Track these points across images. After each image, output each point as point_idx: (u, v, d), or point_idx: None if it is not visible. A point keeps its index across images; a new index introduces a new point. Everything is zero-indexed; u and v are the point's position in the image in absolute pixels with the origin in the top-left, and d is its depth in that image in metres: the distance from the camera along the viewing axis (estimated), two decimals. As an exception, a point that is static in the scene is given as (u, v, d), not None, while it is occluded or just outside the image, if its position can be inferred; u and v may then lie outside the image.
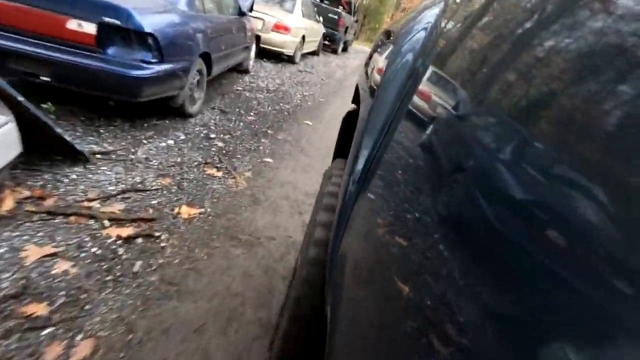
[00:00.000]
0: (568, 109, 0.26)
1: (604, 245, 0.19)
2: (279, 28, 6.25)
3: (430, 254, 0.34)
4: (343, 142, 1.49)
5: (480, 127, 0.37)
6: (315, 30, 8.20)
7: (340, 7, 11.62)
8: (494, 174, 0.30)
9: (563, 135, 0.25)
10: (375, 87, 0.85)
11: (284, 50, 6.49)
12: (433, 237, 0.35)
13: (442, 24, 0.68)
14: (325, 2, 11.57)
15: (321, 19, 8.58)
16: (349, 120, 1.39)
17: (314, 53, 9.13)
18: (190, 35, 2.81)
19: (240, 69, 5.09)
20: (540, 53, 0.33)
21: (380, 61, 0.96)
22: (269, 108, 4.13)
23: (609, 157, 0.21)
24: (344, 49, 13.12)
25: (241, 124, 3.44)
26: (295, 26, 6.54)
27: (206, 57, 3.22)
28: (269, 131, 3.46)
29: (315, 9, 9.77)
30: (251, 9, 5.29)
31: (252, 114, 3.78)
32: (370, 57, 1.32)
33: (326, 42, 10.32)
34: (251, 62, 5.28)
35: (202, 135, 2.92)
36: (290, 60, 7.00)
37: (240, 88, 4.54)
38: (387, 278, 0.41)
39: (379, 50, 1.18)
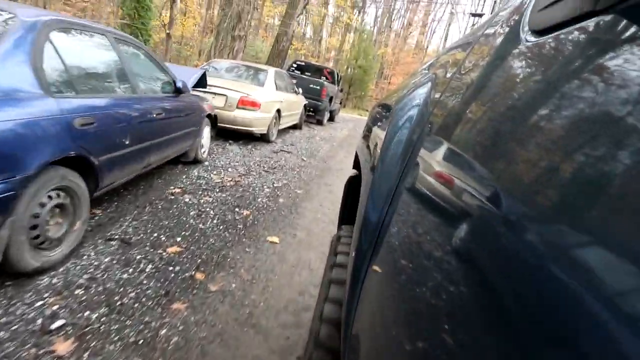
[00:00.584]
0: (573, 170, 0.27)
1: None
2: (245, 104, 5.13)
3: (450, 332, 0.33)
4: (347, 207, 1.51)
5: (479, 190, 0.37)
6: (294, 102, 7.20)
7: (323, 78, 10.96)
8: (501, 239, 0.31)
9: (569, 197, 0.25)
10: (376, 159, 0.87)
11: (254, 129, 5.32)
12: (448, 310, 0.34)
13: (434, 97, 0.72)
14: (306, 74, 10.94)
15: (300, 90, 7.64)
16: (352, 185, 1.43)
17: (295, 127, 8.09)
18: (19, 135, 1.48)
19: (186, 160, 3.79)
20: (527, 116, 0.36)
21: (379, 134, 0.99)
22: (214, 221, 2.73)
23: (616, 225, 0.21)
24: (331, 119, 12.30)
25: (149, 266, 1.99)
26: (266, 101, 5.45)
27: (82, 163, 1.88)
28: (198, 275, 2.00)
29: (295, 80, 8.96)
30: (203, 84, 4.14)
31: (178, 238, 2.36)
32: (369, 129, 1.32)
33: (310, 113, 9.41)
34: (204, 150, 4.01)
35: (36, 323, 1.45)
36: (264, 138, 5.82)
37: (178, 189, 3.18)
38: None
39: (377, 123, 1.18)
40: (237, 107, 5.11)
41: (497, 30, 0.63)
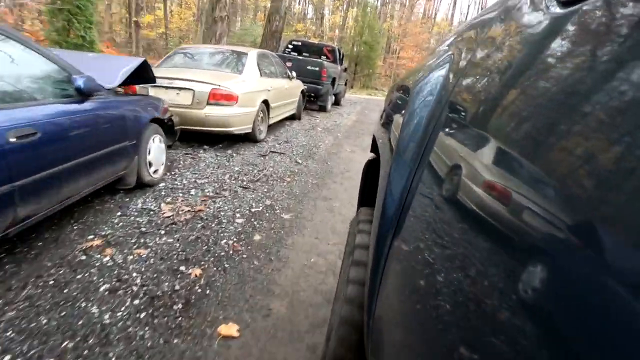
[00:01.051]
0: (598, 153, 0.25)
1: None
2: (218, 98, 4.02)
3: (473, 314, 0.33)
4: (366, 189, 1.51)
5: (501, 176, 0.37)
6: (288, 89, 6.04)
7: (323, 57, 9.69)
8: (520, 222, 0.30)
9: (594, 187, 0.24)
10: (394, 142, 0.85)
11: (233, 129, 4.22)
12: (470, 291, 0.34)
13: (452, 79, 0.70)
14: (304, 54, 9.68)
15: (294, 74, 6.45)
16: (370, 168, 1.44)
17: (293, 118, 6.95)
18: None
19: (125, 187, 2.74)
20: (554, 98, 0.34)
21: (397, 117, 0.98)
22: (135, 303, 1.67)
23: None
24: (336, 103, 11.07)
25: None
26: (246, 91, 4.32)
27: None
28: None
29: (290, 63, 7.76)
30: (149, 78, 3.05)
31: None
32: (386, 112, 1.29)
33: (311, 99, 8.23)
34: (155, 168, 2.95)
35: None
36: (250, 138, 4.72)
37: (99, 240, 2.13)
38: (430, 343, 0.41)
39: (395, 105, 1.16)
40: (208, 103, 4.00)
41: (519, 3, 0.59)
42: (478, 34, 0.74)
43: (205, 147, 4.32)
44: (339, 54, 9.85)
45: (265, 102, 4.91)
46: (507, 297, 0.28)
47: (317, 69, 7.91)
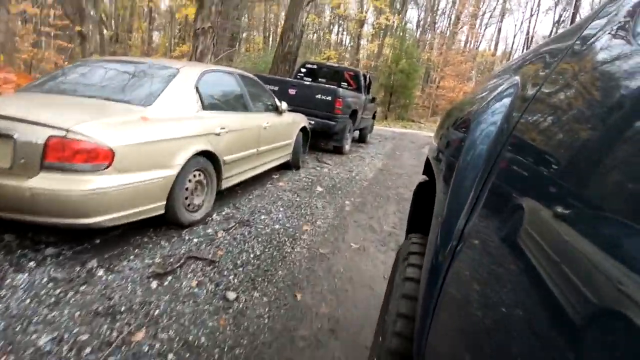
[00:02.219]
0: None
1: None
2: (64, 156, 1.89)
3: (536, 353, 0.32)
4: (416, 214, 1.43)
5: (565, 213, 0.36)
6: (271, 129, 3.86)
7: (345, 84, 7.56)
8: (591, 261, 0.30)
9: None
10: (452, 169, 0.81)
11: (98, 220, 2.00)
12: (533, 329, 0.33)
13: (518, 109, 0.66)
14: (320, 79, 7.59)
15: (284, 105, 4.26)
16: (421, 191, 1.38)
17: (288, 165, 4.76)
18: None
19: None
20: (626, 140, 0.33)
21: (456, 142, 0.95)
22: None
23: None
24: (361, 140, 8.80)
25: None
26: (144, 140, 2.16)
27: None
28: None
29: (293, 90, 5.66)
30: None
31: None
32: (442, 135, 1.24)
33: (327, 135, 6.04)
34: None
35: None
36: (170, 221, 2.54)
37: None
38: None
39: (452, 130, 1.11)
40: (44, 167, 1.88)
41: (600, 34, 0.55)
42: (547, 65, 0.70)
43: (49, 250, 2.14)
44: (365, 80, 7.67)
45: (208, 155, 2.74)
46: (576, 341, 0.27)
47: (329, 98, 5.74)
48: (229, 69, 3.75)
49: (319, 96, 5.77)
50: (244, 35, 28.15)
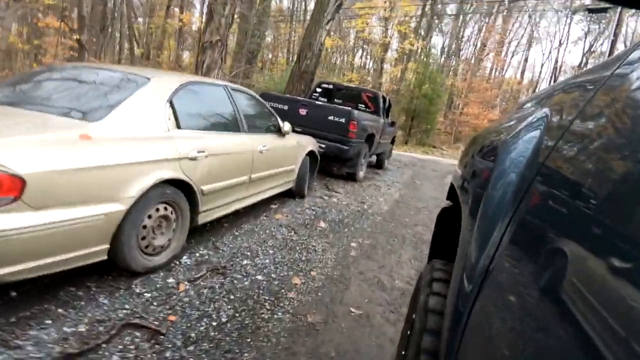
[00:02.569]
0: None
1: None
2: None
3: None
4: (439, 240, 1.40)
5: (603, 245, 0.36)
6: (269, 154, 3.32)
7: (362, 106, 7.03)
8: (622, 296, 0.30)
9: None
10: (479, 197, 0.80)
11: None
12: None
13: (548, 142, 0.65)
14: (336, 100, 7.11)
15: (287, 125, 3.72)
16: (445, 217, 1.36)
17: (291, 193, 4.19)
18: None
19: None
20: None
21: (482, 170, 0.95)
22: None
23: None
24: (378, 166, 8.20)
25: None
26: (73, 166, 1.65)
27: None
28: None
29: (304, 110, 5.17)
30: None
31: None
32: (466, 163, 1.22)
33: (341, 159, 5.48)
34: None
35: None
36: (121, 267, 1.99)
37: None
38: None
39: (478, 157, 1.10)
40: None
41: (637, 70, 0.54)
42: (582, 96, 0.68)
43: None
44: (384, 103, 7.11)
45: (179, 184, 2.20)
46: None
47: (342, 120, 5.19)
48: (218, 82, 3.26)
49: (331, 118, 5.23)
50: (270, 56, 28.41)
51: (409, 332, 0.99)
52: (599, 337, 0.30)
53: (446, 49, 30.95)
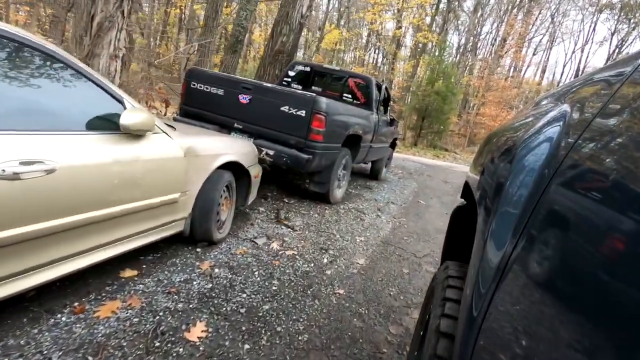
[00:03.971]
0: None
1: None
2: None
3: None
4: (453, 241, 1.35)
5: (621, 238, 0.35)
6: (81, 181, 1.44)
7: (349, 96, 5.06)
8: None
9: None
10: (496, 196, 0.77)
11: None
12: None
13: (568, 139, 0.62)
14: (314, 87, 5.19)
15: (142, 117, 1.83)
16: (459, 216, 1.30)
17: (183, 237, 2.30)
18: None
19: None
20: None
21: (500, 169, 0.89)
22: None
23: None
24: (373, 176, 6.26)
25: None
26: None
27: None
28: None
29: (246, 96, 3.26)
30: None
31: None
32: (483, 162, 1.16)
33: (308, 178, 3.57)
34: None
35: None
36: None
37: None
38: None
39: (495, 155, 1.04)
40: None
41: None
42: (604, 92, 0.64)
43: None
44: (380, 93, 5.12)
45: None
46: None
47: (301, 113, 3.24)
48: None
49: (285, 109, 3.29)
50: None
51: (421, 333, 0.99)
52: (615, 338, 0.29)
53: (462, 48, 28.55)
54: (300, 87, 5.19)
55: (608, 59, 27.31)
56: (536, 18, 27.64)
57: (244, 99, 3.40)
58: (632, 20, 26.40)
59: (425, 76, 20.21)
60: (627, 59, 0.67)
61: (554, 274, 0.44)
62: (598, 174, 0.47)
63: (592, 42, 28.60)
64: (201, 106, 3.62)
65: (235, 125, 3.48)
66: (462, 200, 1.35)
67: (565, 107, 0.76)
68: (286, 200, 3.81)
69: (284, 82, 5.26)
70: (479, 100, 25.57)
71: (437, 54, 20.01)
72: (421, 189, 6.39)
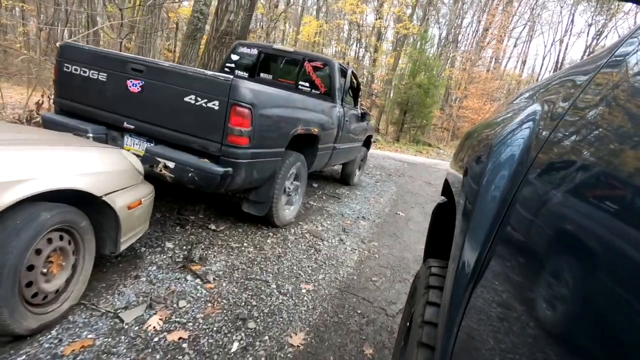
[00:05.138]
0: None
1: None
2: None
3: None
4: (434, 239, 1.36)
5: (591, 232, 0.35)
6: None
7: (305, 84, 3.98)
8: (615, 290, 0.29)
9: None
10: (473, 194, 0.76)
11: None
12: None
13: (541, 134, 0.63)
14: (260, 75, 4.11)
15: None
16: (440, 213, 1.30)
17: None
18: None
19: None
20: None
21: (476, 166, 0.88)
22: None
23: None
24: (343, 181, 5.26)
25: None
26: None
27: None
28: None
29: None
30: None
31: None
32: (461, 158, 1.16)
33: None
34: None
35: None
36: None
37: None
38: None
39: (472, 153, 1.03)
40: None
41: (633, 55, 0.51)
42: (576, 87, 0.65)
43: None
44: (345, 80, 4.05)
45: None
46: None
47: (213, 106, 2.16)
48: None
49: (191, 99, 2.20)
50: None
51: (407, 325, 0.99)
52: (591, 332, 0.29)
53: (443, 40, 27.69)
54: (246, 74, 4.10)
55: (585, 51, 27.01)
56: (517, 8, 27.04)
57: (134, 86, 2.29)
58: (608, 12, 26.05)
59: (407, 68, 19.28)
60: (597, 56, 0.67)
61: (530, 270, 0.43)
62: (570, 169, 0.47)
63: (570, 34, 28.21)
64: (80, 99, 2.50)
65: (125, 125, 2.37)
66: (443, 197, 1.35)
67: (539, 104, 0.77)
68: (213, 227, 2.73)
69: (225, 69, 4.16)
70: (462, 93, 24.89)
71: (418, 45, 19.08)
72: (401, 195, 5.40)
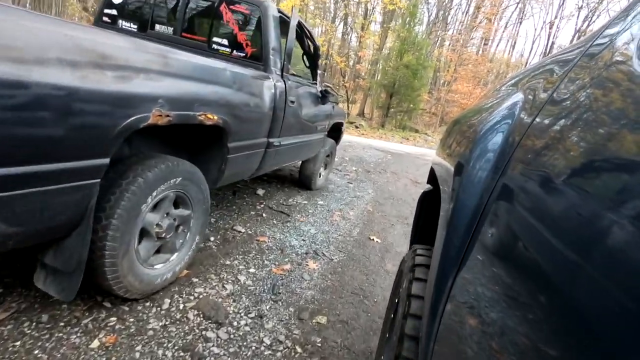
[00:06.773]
0: None
1: None
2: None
3: None
4: (420, 225, 1.36)
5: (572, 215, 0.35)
6: None
7: (226, 42, 2.49)
8: (597, 277, 0.28)
9: None
10: (457, 181, 0.76)
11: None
12: (542, 343, 0.31)
13: (523, 121, 0.63)
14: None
15: None
16: (426, 201, 1.30)
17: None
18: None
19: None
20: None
21: (461, 154, 0.86)
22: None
23: None
24: (305, 185, 3.83)
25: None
26: None
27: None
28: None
29: None
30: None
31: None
32: (448, 146, 1.13)
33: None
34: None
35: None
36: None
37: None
38: None
39: (457, 141, 1.02)
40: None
41: (613, 43, 0.51)
42: (556, 75, 0.65)
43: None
44: (287, 36, 2.56)
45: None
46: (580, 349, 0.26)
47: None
48: None
49: None
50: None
51: (392, 316, 0.98)
52: (575, 321, 0.28)
53: (431, 21, 25.93)
54: (134, 27, 2.56)
55: (575, 34, 25.74)
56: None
57: None
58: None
59: (395, 47, 17.65)
60: (580, 43, 0.65)
61: (513, 255, 0.43)
62: (553, 155, 0.46)
63: (560, 18, 26.82)
64: None
65: None
66: (429, 185, 1.35)
67: (522, 91, 0.77)
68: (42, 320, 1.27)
69: (104, 18, 2.61)
70: (451, 76, 23.42)
71: (407, 22, 17.40)
72: (379, 204, 3.99)
